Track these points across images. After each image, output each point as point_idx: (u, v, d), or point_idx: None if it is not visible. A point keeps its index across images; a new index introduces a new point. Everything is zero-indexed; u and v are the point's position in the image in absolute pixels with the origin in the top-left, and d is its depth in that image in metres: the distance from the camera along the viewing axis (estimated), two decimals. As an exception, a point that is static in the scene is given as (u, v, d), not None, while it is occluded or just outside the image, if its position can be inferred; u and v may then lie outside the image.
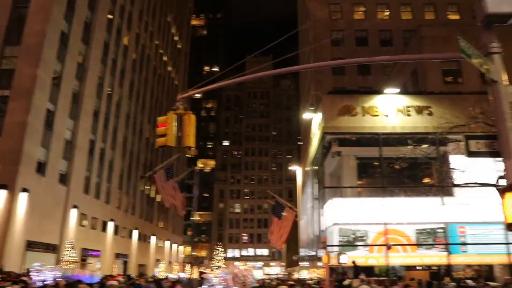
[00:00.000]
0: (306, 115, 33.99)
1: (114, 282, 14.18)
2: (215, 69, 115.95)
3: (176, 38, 73.24)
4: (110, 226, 42.43)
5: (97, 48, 39.66)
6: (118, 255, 44.70)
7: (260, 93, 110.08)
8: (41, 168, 31.35)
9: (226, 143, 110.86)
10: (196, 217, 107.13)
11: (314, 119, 31.89)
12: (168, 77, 67.84)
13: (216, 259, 79.45)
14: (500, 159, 7.59)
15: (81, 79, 37.20)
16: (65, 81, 34.45)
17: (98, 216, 40.38)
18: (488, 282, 19.85)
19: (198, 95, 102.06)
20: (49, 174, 32.20)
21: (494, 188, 16.61)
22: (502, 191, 6.34)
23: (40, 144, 31.14)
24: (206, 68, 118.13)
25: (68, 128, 35.52)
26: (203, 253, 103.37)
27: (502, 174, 9.03)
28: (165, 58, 65.81)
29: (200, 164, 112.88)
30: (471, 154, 7.86)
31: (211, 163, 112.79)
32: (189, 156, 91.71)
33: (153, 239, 58.88)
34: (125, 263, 47.53)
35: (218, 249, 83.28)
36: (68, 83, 35.18)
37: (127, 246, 48.48)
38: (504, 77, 7.42)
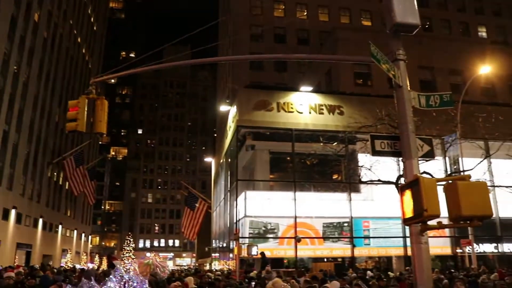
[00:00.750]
0: (222, 108, 34.11)
1: (12, 274, 13.39)
2: (132, 54, 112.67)
3: (92, 19, 70.14)
4: (12, 214, 40.01)
5: (3, 22, 36.85)
6: (20, 245, 42.23)
7: (177, 82, 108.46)
8: None
9: (140, 131, 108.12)
10: (106, 206, 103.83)
11: (230, 112, 32.09)
12: (82, 59, 64.82)
13: (126, 250, 77.60)
14: (401, 159, 8.09)
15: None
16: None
17: (-2, 204, 37.91)
18: (389, 273, 21.13)
19: (113, 81, 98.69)
20: None
21: (394, 186, 17.81)
22: (401, 188, 6.76)
23: None
24: (123, 53, 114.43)
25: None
26: (113, 244, 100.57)
27: (402, 172, 9.64)
28: (79, 40, 62.80)
29: (112, 152, 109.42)
30: (375, 152, 8.29)
31: (124, 151, 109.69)
32: (101, 143, 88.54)
33: (60, 229, 56.27)
34: (28, 253, 45.05)
35: (128, 239, 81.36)
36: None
37: (31, 236, 45.91)
38: (408, 83, 7.94)
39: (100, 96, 9.90)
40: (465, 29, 43.73)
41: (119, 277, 6.23)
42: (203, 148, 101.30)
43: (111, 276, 6.31)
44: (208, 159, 48.01)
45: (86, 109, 9.52)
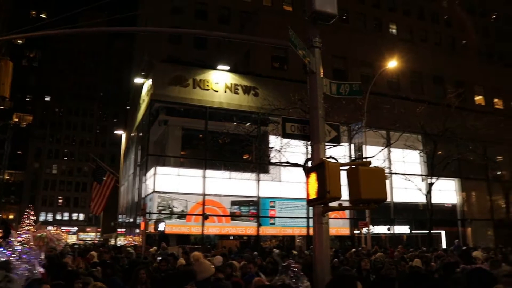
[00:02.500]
0: (137, 80, 33.17)
1: None
2: (43, 15, 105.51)
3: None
4: None
5: None
6: None
7: (91, 50, 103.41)
8: None
9: (47, 98, 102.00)
10: (5, 176, 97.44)
11: (144, 85, 31.32)
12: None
13: (26, 223, 73.69)
14: (309, 142, 8.41)
15: None
16: None
17: None
18: (292, 251, 21.96)
19: (20, 41, 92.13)
20: None
21: (302, 169, 18.47)
22: (308, 171, 7.06)
23: None
24: (33, 12, 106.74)
25: None
26: (11, 216, 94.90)
27: (310, 156, 10.04)
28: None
29: (15, 118, 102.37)
30: (286, 135, 8.54)
31: (29, 118, 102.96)
32: (3, 108, 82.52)
33: None
34: None
35: (28, 212, 77.25)
36: None
37: None
38: (321, 70, 8.23)
39: (4, 57, 9.30)
40: (378, 24, 45.66)
41: (11, 250, 5.98)
42: (115, 120, 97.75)
43: (1, 248, 6.04)
44: (119, 132, 46.57)
45: (-13, 70, 8.90)
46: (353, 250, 18.72)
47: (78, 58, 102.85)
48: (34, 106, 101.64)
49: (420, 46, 33.26)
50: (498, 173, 34.02)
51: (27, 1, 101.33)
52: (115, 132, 49.98)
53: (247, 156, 28.66)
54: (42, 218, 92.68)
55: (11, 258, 5.86)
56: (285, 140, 19.80)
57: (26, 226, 70.74)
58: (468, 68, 34.60)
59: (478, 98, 38.58)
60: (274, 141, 21.83)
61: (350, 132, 24.11)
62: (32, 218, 77.65)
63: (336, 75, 28.88)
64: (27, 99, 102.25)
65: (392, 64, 25.21)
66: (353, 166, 6.60)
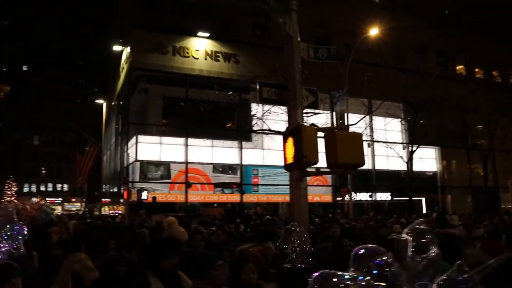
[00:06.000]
0: (115, 47, 32.56)
1: None
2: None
3: None
4: None
5: None
6: None
7: (69, 17, 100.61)
8: None
9: (25, 68, 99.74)
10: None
11: (123, 53, 30.78)
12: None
13: (8, 194, 73.18)
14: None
15: None
16: None
17: None
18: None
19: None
20: None
21: (282, 136, 18.48)
22: (284, 135, 7.04)
23: None
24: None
25: None
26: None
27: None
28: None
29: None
30: (262, 100, 8.43)
31: (7, 88, 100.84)
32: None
33: None
34: None
35: (10, 183, 76.64)
36: None
37: None
38: (298, 34, 8.11)
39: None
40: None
41: None
42: (95, 89, 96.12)
43: None
44: (100, 101, 45.98)
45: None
46: (330, 215, 18.96)
47: (54, 25, 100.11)
48: (11, 76, 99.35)
49: (402, 15, 33.04)
50: (477, 142, 34.47)
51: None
52: (96, 101, 49.25)
53: (229, 124, 28.61)
54: (26, 189, 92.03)
55: None
56: (266, 107, 19.76)
57: (8, 197, 70.29)
58: (450, 38, 34.55)
59: (459, 68, 38.74)
60: (256, 108, 21.75)
61: (332, 100, 24.11)
62: (14, 189, 77.04)
63: (317, 43, 28.61)
64: (3, 68, 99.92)
65: (374, 32, 25.06)
66: (330, 131, 6.59)
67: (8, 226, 5.75)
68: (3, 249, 5.62)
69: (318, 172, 7.06)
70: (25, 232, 5.97)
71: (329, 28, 31.08)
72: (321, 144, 6.42)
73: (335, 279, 1.77)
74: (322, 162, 6.46)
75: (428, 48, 34.98)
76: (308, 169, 7.07)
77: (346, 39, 27.92)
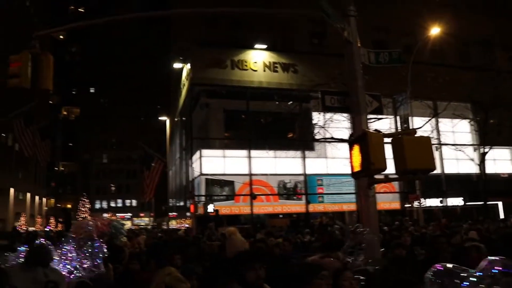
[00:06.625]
0: (175, 65, 33.49)
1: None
2: (81, 9, 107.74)
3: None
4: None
5: None
6: (-33, 209, 40.85)
7: (129, 40, 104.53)
8: None
9: (92, 90, 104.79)
10: (60, 167, 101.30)
11: (183, 69, 31.55)
12: (26, 11, 61.33)
13: (82, 211, 76.60)
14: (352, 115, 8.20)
15: None
16: None
17: None
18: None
19: (61, 37, 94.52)
20: None
21: (346, 144, 18.17)
22: (350, 143, 6.91)
23: None
24: (71, 7, 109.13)
25: None
26: (68, 205, 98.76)
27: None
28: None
29: (64, 112, 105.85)
30: (325, 108, 8.39)
31: (76, 111, 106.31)
32: (52, 102, 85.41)
33: (11, 192, 54.60)
34: (-21, 217, 43.70)
35: (84, 200, 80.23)
36: None
37: (-18, 200, 44.48)
38: (358, 39, 7.97)
39: (44, 51, 9.45)
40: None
41: (76, 241, 5.90)
42: (158, 106, 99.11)
43: (70, 240, 5.95)
44: (163, 118, 47.32)
45: (29, 64, 9.07)
46: (396, 223, 18.31)
47: (117, 49, 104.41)
48: (80, 99, 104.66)
49: (464, 10, 31.70)
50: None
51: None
52: (159, 118, 50.71)
53: (291, 134, 28.54)
54: (97, 206, 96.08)
55: (72, 255, 5.74)
56: (328, 116, 19.53)
57: (82, 214, 73.54)
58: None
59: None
60: (317, 117, 21.52)
61: (394, 104, 23.48)
62: (88, 206, 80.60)
63: (376, 47, 28.04)
64: (73, 92, 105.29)
65: (435, 31, 24.23)
66: (397, 136, 6.38)
67: (89, 243, 5.95)
68: (84, 265, 5.79)
69: (387, 179, 6.86)
70: (105, 250, 6.12)
71: (387, 30, 30.37)
72: (388, 150, 6.23)
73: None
74: (390, 169, 6.26)
75: (494, 43, 33.30)
76: (376, 177, 6.87)
77: (406, 40, 27.23)
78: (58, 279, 5.19)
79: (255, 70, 27.34)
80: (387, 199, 28.37)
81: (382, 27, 30.05)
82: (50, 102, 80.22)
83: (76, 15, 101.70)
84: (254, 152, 26.84)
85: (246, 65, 27.19)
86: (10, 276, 4.79)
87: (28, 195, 62.99)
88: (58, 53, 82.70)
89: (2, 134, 51.66)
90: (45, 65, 9.20)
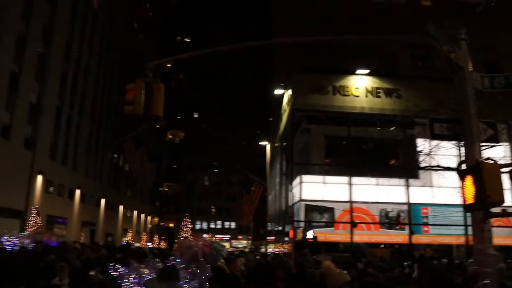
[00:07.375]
0: (276, 91, 34.07)
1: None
2: (187, 39, 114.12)
3: (148, 4, 71.69)
4: (77, 194, 41.91)
5: (64, 9, 37.88)
6: (85, 223, 44.25)
7: (232, 67, 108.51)
8: (5, 132, 30.30)
9: (196, 115, 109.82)
10: (164, 188, 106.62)
11: (284, 95, 32.00)
12: (138, 43, 66.29)
13: (184, 231, 79.42)
14: (462, 143, 7.81)
15: (47, 41, 35.43)
16: (30, 42, 32.65)
17: (65, 183, 39.66)
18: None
19: (169, 65, 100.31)
20: (13, 139, 31.15)
21: (454, 172, 17.19)
22: (462, 173, 6.54)
23: (4, 108, 29.89)
24: (178, 38, 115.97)
25: (34, 91, 34.11)
26: (171, 224, 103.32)
27: (463, 159, 9.29)
28: (135, 25, 64.35)
29: (169, 136, 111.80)
30: (434, 136, 8.08)
31: (181, 134, 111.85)
32: (159, 126, 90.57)
33: (120, 209, 58.52)
34: (92, 231, 47.16)
35: (186, 220, 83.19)
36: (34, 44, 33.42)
37: (95, 215, 48.05)
38: (470, 64, 7.59)
39: (156, 80, 10.08)
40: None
41: (186, 262, 6.02)
42: (258, 131, 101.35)
43: (178, 260, 6.08)
44: (263, 143, 48.08)
45: (143, 92, 9.72)
46: (508, 260, 16.79)
47: (220, 75, 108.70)
48: (185, 123, 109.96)
49: None
50: None
51: (172, 29, 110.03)
52: (260, 143, 51.62)
53: (393, 161, 27.65)
54: (197, 226, 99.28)
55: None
56: (434, 143, 18.65)
57: (184, 234, 76.22)
58: None
59: None
60: (422, 144, 20.67)
61: (509, 130, 21.94)
62: (189, 226, 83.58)
63: (487, 69, 26.50)
64: (178, 117, 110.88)
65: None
66: (516, 167, 5.95)
67: (194, 266, 6.09)
68: (193, 286, 5.92)
69: (505, 213, 6.35)
70: (209, 273, 6.22)
71: (498, 50, 28.57)
72: (505, 181, 5.81)
73: None
74: (507, 201, 5.82)
75: None
76: (493, 210, 6.41)
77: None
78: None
79: (357, 96, 27.03)
80: (502, 234, 26.21)
81: (491, 48, 28.34)
82: (157, 126, 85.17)
83: (182, 45, 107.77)
84: (355, 179, 26.32)
85: (347, 91, 26.99)
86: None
87: (135, 212, 67.03)
88: (165, 79, 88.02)
89: (115, 156, 55.82)
90: (157, 93, 9.77)
